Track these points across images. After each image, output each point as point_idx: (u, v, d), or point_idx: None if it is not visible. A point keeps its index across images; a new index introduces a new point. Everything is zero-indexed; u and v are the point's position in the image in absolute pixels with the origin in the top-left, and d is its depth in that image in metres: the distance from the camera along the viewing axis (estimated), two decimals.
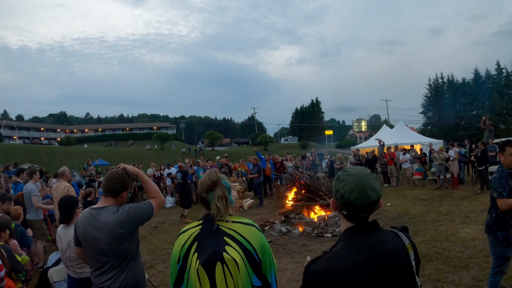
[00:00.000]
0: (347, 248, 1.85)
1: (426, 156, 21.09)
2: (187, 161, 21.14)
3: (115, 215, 3.21)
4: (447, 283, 6.40)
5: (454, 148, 17.88)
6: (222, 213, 2.43)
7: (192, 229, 2.50)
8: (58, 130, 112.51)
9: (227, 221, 2.46)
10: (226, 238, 2.39)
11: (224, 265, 2.30)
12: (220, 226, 2.43)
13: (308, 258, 2.09)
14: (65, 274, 4.57)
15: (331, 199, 2.02)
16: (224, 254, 2.31)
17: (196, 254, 2.37)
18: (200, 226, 2.49)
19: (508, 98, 58.00)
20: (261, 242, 2.46)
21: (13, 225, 6.09)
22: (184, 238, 2.47)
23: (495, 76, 62.94)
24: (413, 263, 1.90)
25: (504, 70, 62.45)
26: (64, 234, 4.29)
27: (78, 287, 4.12)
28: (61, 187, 8.29)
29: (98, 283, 3.28)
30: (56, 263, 5.48)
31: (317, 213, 11.68)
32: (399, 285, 1.84)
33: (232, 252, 2.33)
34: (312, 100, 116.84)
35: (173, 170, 20.76)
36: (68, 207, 4.50)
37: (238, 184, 18.56)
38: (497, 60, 63.62)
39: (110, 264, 3.21)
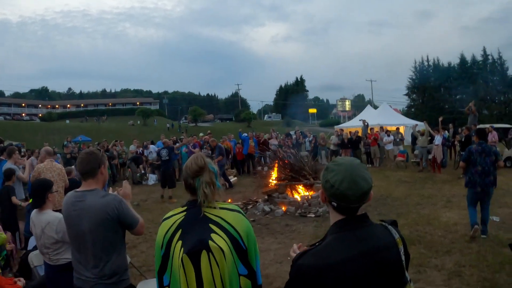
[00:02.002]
0: (337, 242, 1.79)
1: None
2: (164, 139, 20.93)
3: (103, 199, 3.13)
4: (430, 267, 6.43)
5: (441, 133, 17.95)
6: (209, 199, 2.35)
7: (176, 215, 2.41)
8: (40, 105, 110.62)
9: (213, 207, 2.38)
10: (211, 226, 2.31)
11: (210, 253, 2.22)
12: (205, 213, 2.35)
13: (295, 246, 2.03)
14: None
15: (320, 190, 1.94)
16: (210, 242, 2.23)
17: (180, 242, 2.28)
18: (185, 213, 2.40)
19: (493, 84, 58.46)
20: (247, 229, 2.39)
21: None
22: (168, 225, 2.38)
23: (480, 62, 63.22)
24: (403, 257, 1.85)
25: (490, 57, 62.90)
26: (38, 220, 4.08)
27: (55, 274, 3.98)
28: (57, 167, 7.98)
29: (76, 269, 3.21)
30: (36, 247, 5.34)
31: (301, 192, 11.67)
32: (389, 280, 1.78)
33: (218, 240, 2.25)
34: (297, 78, 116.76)
35: (152, 148, 20.57)
36: (40, 191, 4.27)
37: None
38: (484, 47, 64.01)
39: (91, 252, 3.13)
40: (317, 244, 1.87)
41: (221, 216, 2.34)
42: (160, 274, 2.40)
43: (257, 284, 2.42)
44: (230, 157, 20.32)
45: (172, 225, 2.36)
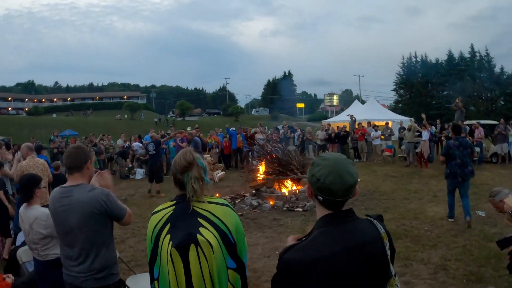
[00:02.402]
0: (323, 237, 1.80)
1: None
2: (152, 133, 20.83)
3: (91, 193, 3.10)
4: (416, 261, 6.48)
5: (428, 128, 18.06)
6: (198, 194, 2.36)
7: (165, 209, 2.42)
8: (26, 99, 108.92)
9: (202, 202, 2.38)
10: (200, 220, 2.32)
11: (198, 247, 2.23)
12: (194, 207, 2.35)
13: (290, 238, 2.03)
14: None
15: (306, 185, 1.96)
16: (198, 236, 2.25)
17: (168, 236, 2.29)
18: (174, 207, 2.40)
19: (480, 81, 58.77)
20: (236, 223, 2.41)
21: None
22: (157, 219, 2.40)
23: (468, 59, 63.43)
24: (388, 252, 1.87)
25: (477, 54, 63.04)
26: (26, 215, 4.04)
27: (45, 270, 3.95)
28: (40, 162, 7.89)
29: (67, 266, 3.18)
30: (24, 243, 5.28)
31: (288, 187, 11.68)
32: (374, 274, 1.81)
33: (207, 234, 2.27)
34: (285, 73, 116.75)
35: (136, 145, 20.48)
36: (28, 186, 4.23)
37: (209, 155, 18.44)
38: (471, 44, 64.23)
39: (80, 247, 3.10)
40: (304, 238, 1.87)
41: (210, 210, 2.35)
42: (150, 266, 2.42)
43: (245, 276, 2.44)
44: (218, 151, 20.28)
45: (161, 219, 2.37)
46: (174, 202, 2.43)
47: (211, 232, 2.27)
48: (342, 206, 1.86)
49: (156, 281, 2.38)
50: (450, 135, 15.51)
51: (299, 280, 1.70)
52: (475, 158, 9.68)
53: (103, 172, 3.63)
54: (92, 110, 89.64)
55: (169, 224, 2.33)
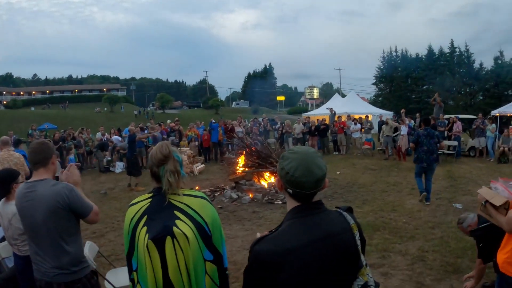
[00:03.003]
0: (292, 228, 1.83)
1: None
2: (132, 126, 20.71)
3: (54, 188, 3.07)
4: (394, 253, 6.51)
5: (405, 123, 18.19)
6: (174, 187, 2.36)
7: (142, 202, 2.43)
8: (4, 92, 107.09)
9: (178, 195, 2.38)
10: (176, 212, 2.33)
11: (174, 239, 2.25)
12: (170, 200, 2.36)
13: (258, 235, 2.02)
14: None
15: (276, 178, 1.98)
16: (174, 228, 2.26)
17: (145, 228, 2.30)
18: (150, 200, 2.40)
19: (459, 76, 59.54)
20: (213, 215, 2.43)
21: None
22: (133, 211, 2.40)
23: (448, 54, 64.23)
24: (358, 242, 1.89)
25: (457, 49, 64.01)
26: (5, 211, 3.98)
27: (24, 265, 3.88)
28: (15, 156, 7.76)
29: (35, 261, 3.15)
30: (4, 238, 5.17)
31: (268, 179, 11.67)
32: (344, 264, 1.83)
33: (183, 226, 2.28)
34: (265, 65, 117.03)
35: (115, 139, 20.30)
36: (5, 182, 4.15)
37: (188, 149, 18.34)
38: (451, 39, 65.11)
39: (47, 243, 3.07)
40: (274, 230, 1.89)
41: (186, 202, 2.37)
42: (128, 258, 2.43)
43: (222, 268, 2.45)
44: (197, 144, 20.20)
45: (137, 211, 2.38)
46: (151, 194, 2.43)
47: (187, 225, 2.29)
48: (311, 199, 1.88)
49: (135, 272, 2.39)
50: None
51: (270, 271, 1.72)
52: (441, 147, 11.14)
53: (71, 165, 3.60)
54: (68, 103, 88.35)
55: (145, 216, 2.34)
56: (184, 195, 2.40)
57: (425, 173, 9.89)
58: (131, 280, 2.44)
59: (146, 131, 18.38)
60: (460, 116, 21.03)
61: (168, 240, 2.24)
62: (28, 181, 3.21)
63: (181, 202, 2.36)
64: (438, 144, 9.91)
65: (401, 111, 19.37)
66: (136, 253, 2.35)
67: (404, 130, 17.54)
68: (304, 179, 1.80)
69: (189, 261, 2.26)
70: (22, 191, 3.16)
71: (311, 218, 1.84)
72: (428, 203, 9.68)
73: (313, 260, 1.74)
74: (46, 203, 3.01)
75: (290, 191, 1.86)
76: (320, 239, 1.77)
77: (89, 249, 4.82)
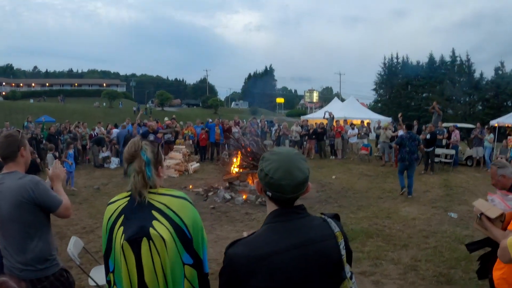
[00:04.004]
0: (269, 232, 1.76)
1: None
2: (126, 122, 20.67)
3: (20, 181, 2.99)
4: (386, 261, 6.42)
5: (404, 128, 18.14)
6: (138, 189, 2.23)
7: (120, 200, 2.32)
8: (4, 83, 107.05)
9: (157, 194, 2.27)
10: (154, 212, 2.21)
11: (151, 241, 2.13)
12: (149, 199, 2.23)
13: (245, 234, 1.91)
14: None
15: (256, 180, 1.90)
16: (151, 229, 2.14)
17: (121, 228, 2.20)
18: (128, 198, 2.28)
19: (459, 85, 59.54)
20: (193, 217, 2.29)
21: None
22: (111, 210, 2.29)
23: (448, 63, 64.16)
24: (343, 252, 1.78)
25: (458, 59, 63.85)
26: None
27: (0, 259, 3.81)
28: None
29: (5, 256, 3.07)
30: None
31: None
32: (324, 274, 1.74)
33: (160, 227, 2.16)
34: (266, 67, 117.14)
35: (115, 132, 20.34)
36: None
37: (184, 147, 18.23)
38: (453, 48, 65.17)
39: (12, 238, 3.00)
40: (251, 233, 1.82)
41: (165, 203, 2.25)
42: (106, 258, 2.32)
43: (203, 273, 2.34)
44: (191, 142, 20.11)
45: (115, 210, 2.28)
46: (129, 193, 2.31)
47: (165, 226, 2.18)
48: (292, 203, 1.80)
49: (111, 274, 2.29)
50: (428, 137, 15.71)
51: (242, 276, 1.66)
52: (421, 149, 14.03)
53: (57, 161, 3.54)
54: (65, 96, 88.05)
55: (123, 215, 2.24)
56: (164, 194, 2.29)
57: (407, 170, 11.42)
58: (108, 281, 2.33)
59: (143, 127, 18.27)
60: (459, 125, 20.99)
61: (144, 241, 2.13)
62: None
63: (160, 202, 2.24)
64: (418, 146, 11.86)
65: (399, 115, 19.29)
66: (113, 254, 2.25)
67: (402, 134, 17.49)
68: (284, 182, 1.71)
69: (166, 264, 2.15)
70: None
71: (290, 222, 1.76)
72: (410, 196, 11.27)
73: (289, 268, 1.66)
74: (10, 196, 2.94)
75: (270, 194, 1.77)
76: (298, 245, 1.70)
77: (73, 244, 4.72)
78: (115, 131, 20.55)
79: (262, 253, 1.66)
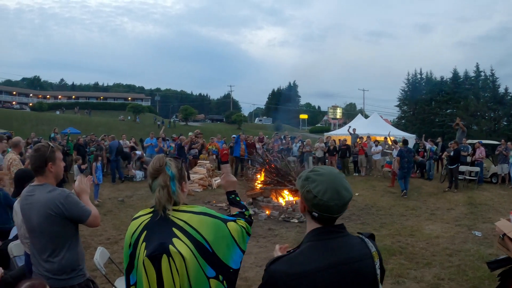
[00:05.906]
0: (311, 251, 1.78)
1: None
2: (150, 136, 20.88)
3: (49, 194, 3.13)
4: (409, 279, 6.41)
5: (397, 146, 18.20)
6: (163, 203, 2.29)
7: (143, 216, 2.38)
8: (31, 95, 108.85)
9: (179, 211, 2.33)
10: (175, 230, 2.25)
11: (170, 258, 2.17)
12: (170, 216, 2.30)
13: (277, 247, 1.99)
14: None
15: (300, 200, 1.92)
16: (170, 247, 2.18)
17: (144, 243, 2.25)
18: (151, 215, 2.36)
19: (484, 100, 58.78)
20: (215, 230, 2.31)
21: None
22: (135, 226, 2.36)
23: (473, 78, 63.52)
24: (378, 271, 1.84)
25: (482, 73, 63.15)
26: (19, 209, 4.09)
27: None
28: (6, 159, 7.85)
29: (34, 263, 3.22)
30: (17, 236, 5.23)
31: (285, 197, 11.63)
32: None
33: (180, 245, 2.20)
34: (290, 83, 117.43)
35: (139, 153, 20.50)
36: (21, 181, 4.26)
37: (208, 162, 18.38)
38: (477, 63, 64.44)
39: (41, 247, 3.15)
40: (292, 250, 1.86)
41: (186, 220, 2.29)
42: (127, 272, 2.38)
43: (230, 271, 2.35)
44: (215, 157, 20.23)
45: (139, 226, 2.34)
46: (152, 209, 2.38)
47: (185, 243, 2.21)
48: (334, 221, 1.85)
49: (133, 287, 2.35)
50: (451, 154, 15.63)
51: None
52: (416, 159, 18.15)
53: (81, 176, 3.65)
54: (91, 109, 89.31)
55: (145, 231, 2.30)
56: (185, 211, 2.34)
57: (405, 177, 14.60)
58: None
59: (168, 142, 18.52)
60: (484, 141, 20.75)
61: (164, 258, 2.18)
62: (31, 184, 3.30)
63: (181, 220, 2.30)
64: (414, 157, 15.86)
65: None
66: (135, 268, 2.31)
67: (394, 153, 17.56)
68: (333, 203, 1.76)
69: (184, 282, 2.19)
70: (25, 193, 3.26)
71: (331, 241, 1.80)
72: (405, 197, 14.13)
73: (328, 285, 1.70)
74: (39, 208, 3.09)
75: (316, 214, 1.81)
76: (337, 264, 1.73)
77: (100, 255, 4.87)
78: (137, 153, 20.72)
79: (303, 271, 1.69)
